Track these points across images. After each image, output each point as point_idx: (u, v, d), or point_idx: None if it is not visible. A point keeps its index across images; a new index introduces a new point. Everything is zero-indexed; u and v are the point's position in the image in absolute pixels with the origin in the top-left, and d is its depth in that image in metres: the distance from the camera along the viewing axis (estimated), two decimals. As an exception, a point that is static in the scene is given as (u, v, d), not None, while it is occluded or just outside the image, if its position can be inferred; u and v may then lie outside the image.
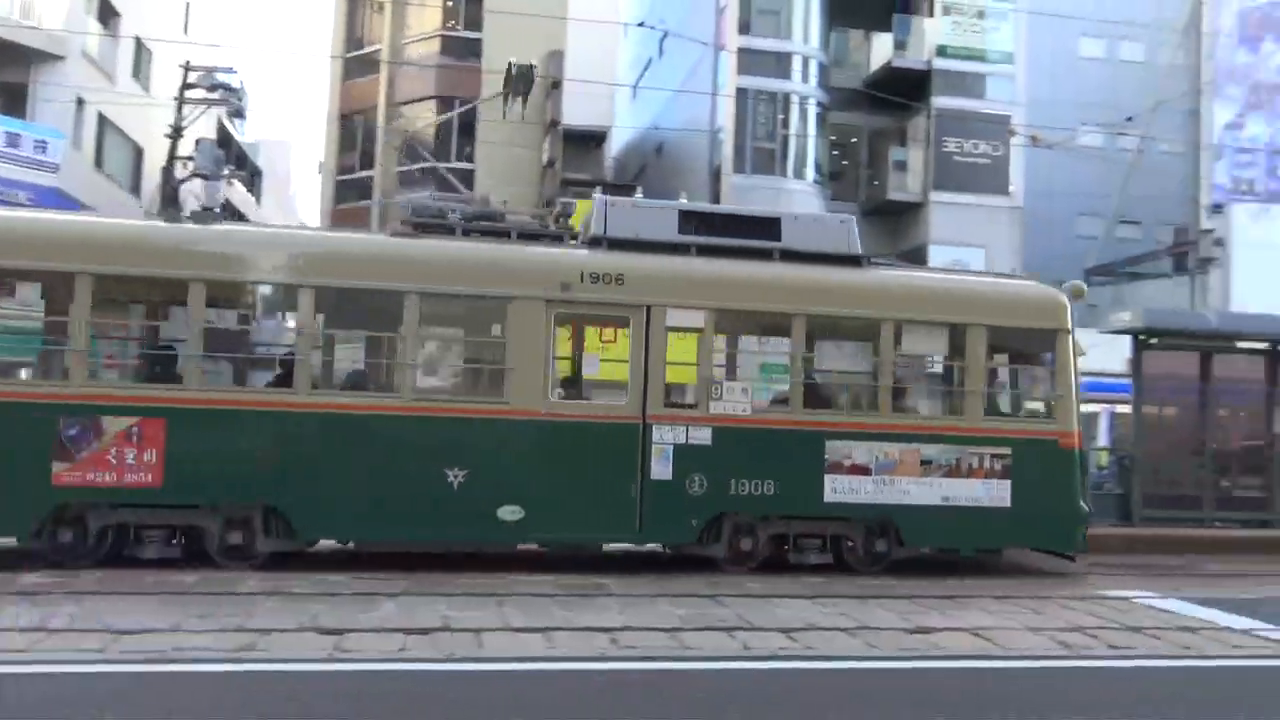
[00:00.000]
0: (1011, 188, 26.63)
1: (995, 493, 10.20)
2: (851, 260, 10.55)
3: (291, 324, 9.82)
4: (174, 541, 8.90)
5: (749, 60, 25.25)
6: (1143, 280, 30.79)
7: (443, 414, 9.42)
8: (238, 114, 27.78)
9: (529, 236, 10.11)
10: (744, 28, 25.44)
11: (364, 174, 28.08)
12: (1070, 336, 10.67)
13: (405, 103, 27.60)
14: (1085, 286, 11.36)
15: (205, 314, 9.03)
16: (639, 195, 28.05)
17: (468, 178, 26.50)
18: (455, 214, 10.20)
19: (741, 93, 25.17)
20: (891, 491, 9.99)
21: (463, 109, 24.82)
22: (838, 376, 10.62)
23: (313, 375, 9.30)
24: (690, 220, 10.34)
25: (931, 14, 26.64)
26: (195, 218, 9.73)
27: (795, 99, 25.65)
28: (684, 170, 28.34)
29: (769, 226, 10.55)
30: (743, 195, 24.61)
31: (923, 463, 10.08)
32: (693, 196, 26.35)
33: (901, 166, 26.84)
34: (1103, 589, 9.47)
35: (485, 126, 26.12)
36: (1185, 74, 31.88)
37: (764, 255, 10.22)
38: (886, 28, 27.02)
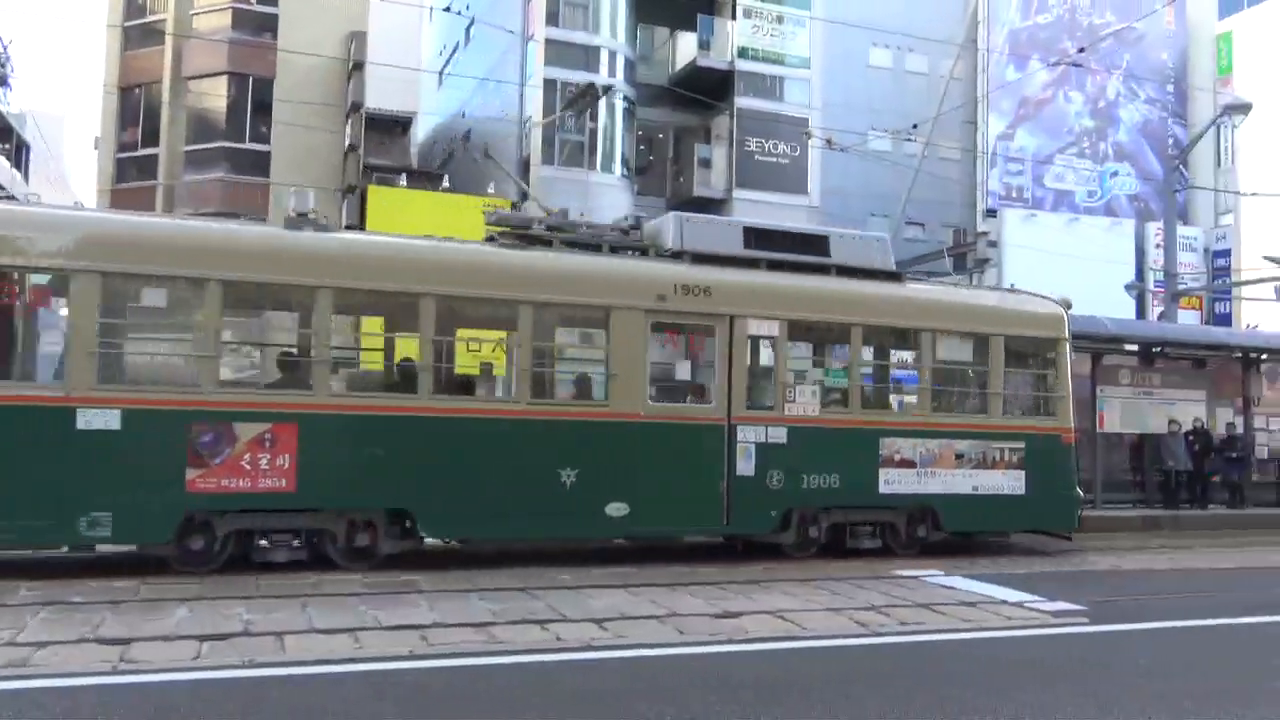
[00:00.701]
0: (809, 187, 27.79)
1: (1013, 482, 11.76)
2: (893, 276, 11.83)
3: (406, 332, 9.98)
4: (297, 545, 9.00)
5: (557, 52, 25.24)
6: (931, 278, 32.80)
7: (554, 417, 10.01)
8: (1, 82, 25.41)
9: (618, 249, 10.82)
10: (552, 19, 25.40)
11: (147, 151, 26.28)
12: (1069, 344, 12.44)
13: (194, 77, 26.00)
14: (1070, 300, 12.74)
15: (331, 321, 9.25)
16: (445, 184, 27.60)
17: (262, 159, 25.27)
18: (541, 225, 10.73)
19: (550, 84, 25.13)
20: (932, 482, 11.36)
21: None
22: (888, 380, 12.05)
23: (433, 380, 9.54)
24: (753, 236, 11.27)
25: (734, 16, 27.42)
26: (304, 224, 9.53)
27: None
28: (492, 159, 28.05)
29: (820, 243, 11.63)
30: (551, 187, 24.59)
31: (957, 456, 11.49)
32: (501, 187, 26.13)
33: (706, 164, 27.53)
34: (895, 569, 10.02)
35: (282, 107, 24.98)
36: (963, 86, 34.20)
37: (822, 270, 11.33)
38: (691, 27, 27.62)
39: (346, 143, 24.95)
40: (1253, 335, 19.46)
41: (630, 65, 26.78)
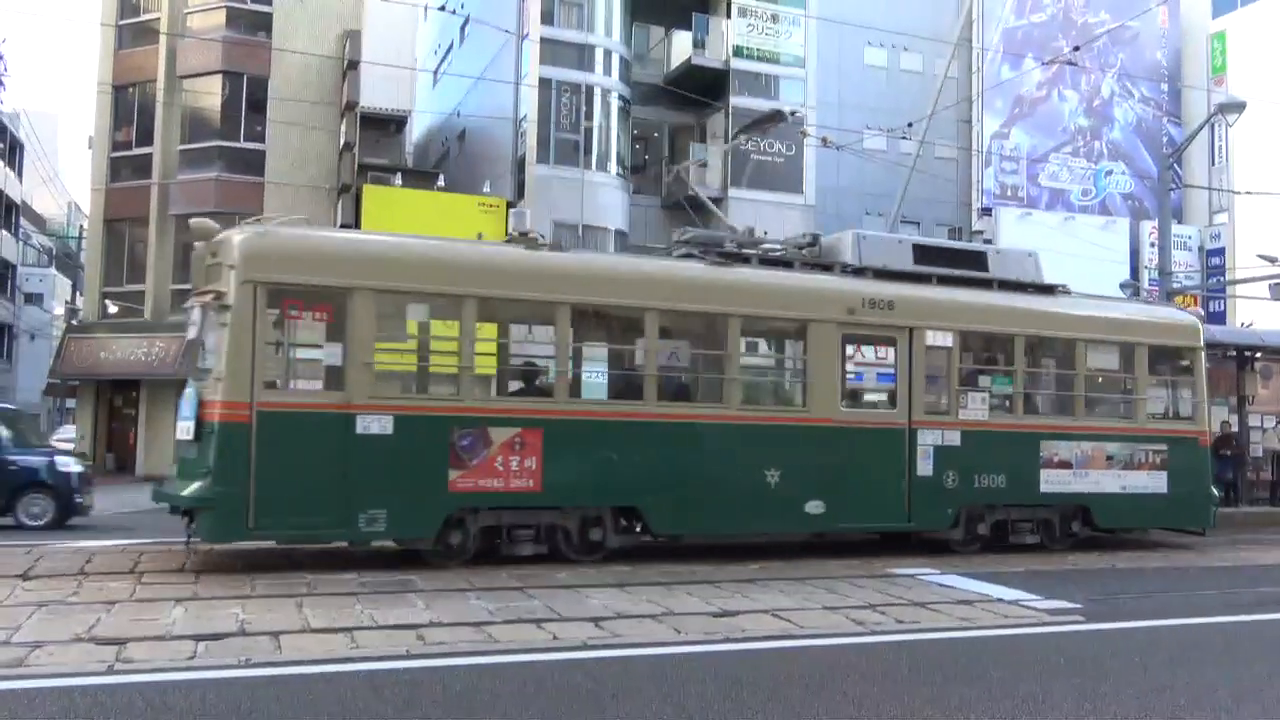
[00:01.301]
0: (804, 186, 27.80)
1: (1156, 481, 12.62)
2: (1047, 289, 12.77)
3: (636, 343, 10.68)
4: (538, 540, 9.72)
5: (552, 51, 25.22)
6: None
7: (761, 421, 10.80)
8: (-7, 81, 25.33)
9: (810, 266, 11.63)
10: (547, 18, 25.38)
11: (142, 150, 26.22)
12: (1203, 353, 13.43)
13: (189, 76, 25.94)
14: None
15: (572, 334, 9.94)
16: (440, 182, 27.59)
17: (257, 158, 25.23)
18: (732, 243, 11.59)
19: (545, 83, 25.10)
20: (1086, 482, 12.19)
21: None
22: (1046, 386, 12.82)
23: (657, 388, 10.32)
24: (920, 251, 12.19)
25: (729, 15, 27.42)
26: (527, 243, 10.36)
27: (598, 91, 25.82)
28: (487, 158, 28.04)
29: (978, 258, 12.62)
30: (546, 185, 24.61)
31: (1108, 458, 12.36)
32: (496, 185, 26.13)
33: (702, 163, 27.51)
34: (890, 568, 10.03)
35: (277, 105, 24.94)
36: (958, 85, 34.23)
37: (985, 285, 12.23)
38: (686, 26, 27.61)
39: (341, 141, 24.90)
40: (1246, 333, 19.48)
41: (625, 64, 26.77)
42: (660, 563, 9.93)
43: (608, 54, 26.15)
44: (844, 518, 10.88)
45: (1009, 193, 34.85)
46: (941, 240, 13.73)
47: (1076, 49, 25.91)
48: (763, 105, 27.49)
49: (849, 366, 11.48)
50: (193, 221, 9.87)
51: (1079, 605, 8.06)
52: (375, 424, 8.98)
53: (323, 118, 25.08)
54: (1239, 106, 21.24)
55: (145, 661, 5.45)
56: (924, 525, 11.38)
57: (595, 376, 10.65)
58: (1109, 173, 36.61)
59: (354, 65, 25.14)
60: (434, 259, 9.82)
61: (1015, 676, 5.86)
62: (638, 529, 10.27)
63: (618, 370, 10.61)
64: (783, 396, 11.63)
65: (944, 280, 11.91)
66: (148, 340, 24.27)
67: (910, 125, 25.35)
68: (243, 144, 25.34)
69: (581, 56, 25.67)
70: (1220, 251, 35.40)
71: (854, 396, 11.57)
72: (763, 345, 12.20)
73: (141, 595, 7.42)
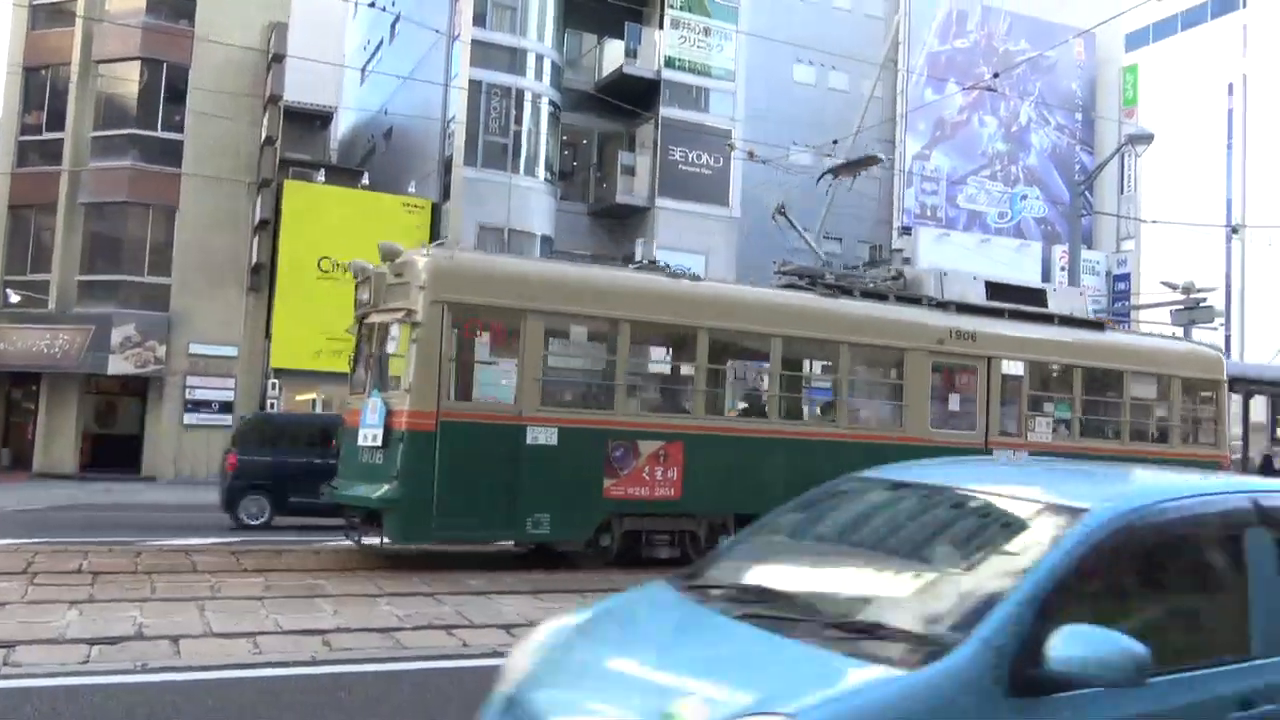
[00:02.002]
0: (730, 199, 28.04)
1: None
2: (1097, 325, 14.33)
3: (762, 365, 11.81)
4: (673, 544, 10.51)
5: (483, 53, 25.05)
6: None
7: (866, 440, 11.68)
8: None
9: (902, 299, 12.68)
10: (479, 20, 25.20)
11: (52, 135, 25.31)
12: (1226, 385, 14.88)
13: (105, 61, 25.15)
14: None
15: (707, 356, 10.87)
16: (365, 180, 27.21)
17: (174, 148, 24.58)
18: (831, 275, 12.80)
19: (475, 85, 24.91)
20: None
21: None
22: (1097, 412, 13.82)
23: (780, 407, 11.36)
24: (990, 288, 13.51)
25: (661, 26, 27.55)
26: (658, 270, 11.40)
27: (529, 96, 25.71)
28: (414, 158, 27.73)
29: (1040, 296, 13.99)
30: (473, 188, 24.43)
31: None
32: (422, 185, 25.86)
33: (629, 171, 27.56)
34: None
35: (197, 95, 24.32)
36: (883, 106, 34.94)
37: (1047, 320, 13.49)
38: (619, 34, 27.66)
39: (263, 135, 24.39)
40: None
41: (557, 70, 26.72)
42: (577, 571, 9.90)
43: (539, 59, 26.07)
44: None
45: (929, 213, 35.65)
46: (1007, 278, 15.62)
47: (996, 75, 26.64)
48: (692, 117, 27.69)
49: (937, 391, 12.68)
50: (380, 244, 10.31)
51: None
52: (543, 435, 9.79)
53: (245, 110, 24.54)
54: (1147, 138, 22.05)
55: (35, 666, 5.27)
56: None
57: (727, 395, 11.76)
58: (1024, 197, 37.70)
59: (279, 58, 24.64)
60: (594, 285, 10.76)
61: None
62: None
63: (745, 389, 11.82)
64: (883, 418, 12.45)
65: (1013, 315, 13.22)
66: (51, 332, 23.43)
67: (835, 143, 25.77)
68: (160, 133, 24.63)
69: (513, 60, 25.54)
70: (1126, 277, 36.70)
71: (940, 418, 12.58)
72: (865, 370, 13.02)
73: (34, 597, 7.17)
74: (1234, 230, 38.96)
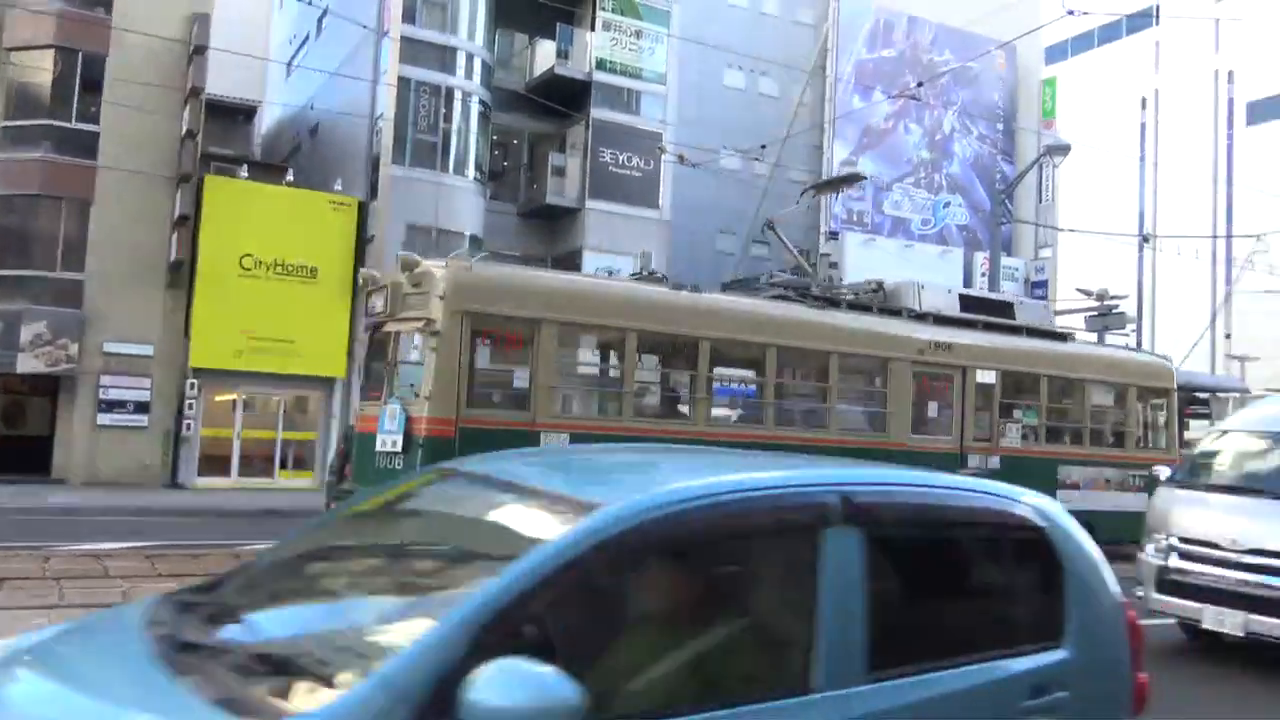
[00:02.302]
0: (661, 201, 28.15)
1: (1140, 502, 14.08)
2: (1061, 336, 15.22)
3: (747, 374, 12.52)
4: None
5: (413, 50, 24.77)
6: (751, 293, 33.70)
7: (854, 445, 12.26)
8: None
9: (886, 311, 13.39)
10: (408, 16, 24.91)
11: (-42, 125, 24.35)
12: (1176, 393, 15.85)
13: (16, 49, 24.29)
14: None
15: (710, 365, 11.38)
16: (290, 177, 26.73)
17: (90, 140, 23.83)
18: (817, 287, 13.65)
19: (404, 82, 24.62)
20: (1091, 501, 14.21)
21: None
22: (1061, 419, 14.65)
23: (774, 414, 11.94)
24: (963, 300, 14.35)
25: (593, 28, 27.55)
26: (677, 285, 12.02)
27: (459, 94, 25.50)
28: (340, 155, 27.30)
29: (1008, 308, 14.87)
30: (401, 186, 24.15)
31: (1105, 481, 14.54)
32: (348, 183, 25.48)
33: (560, 172, 27.50)
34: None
35: (115, 86, 23.63)
36: (811, 112, 35.41)
37: (1016, 331, 14.35)
38: (550, 35, 27.58)
39: (184, 129, 23.78)
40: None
41: (487, 68, 26.54)
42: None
43: (470, 57, 25.87)
44: None
45: (855, 218, 36.20)
46: (980, 291, 16.67)
47: (920, 85, 27.17)
48: (623, 119, 27.75)
49: (917, 399, 13.34)
50: (399, 255, 10.56)
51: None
52: (555, 441, 10.20)
53: (165, 102, 23.89)
54: (1064, 149, 22.70)
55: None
56: None
57: (725, 402, 12.37)
58: (947, 204, 38.52)
59: (201, 50, 24.05)
60: (605, 296, 11.31)
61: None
62: None
63: (741, 397, 12.38)
64: (867, 424, 13.06)
65: (986, 326, 14.03)
66: (-43, 328, 22.55)
67: (764, 148, 26.05)
68: (74, 124, 23.85)
69: (443, 58, 25.30)
70: (1044, 284, 37.67)
71: (920, 425, 13.20)
72: (852, 379, 13.54)
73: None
74: (1145, 239, 40.32)
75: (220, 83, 26.66)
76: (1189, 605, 7.76)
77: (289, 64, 32.93)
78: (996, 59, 38.61)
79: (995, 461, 13.33)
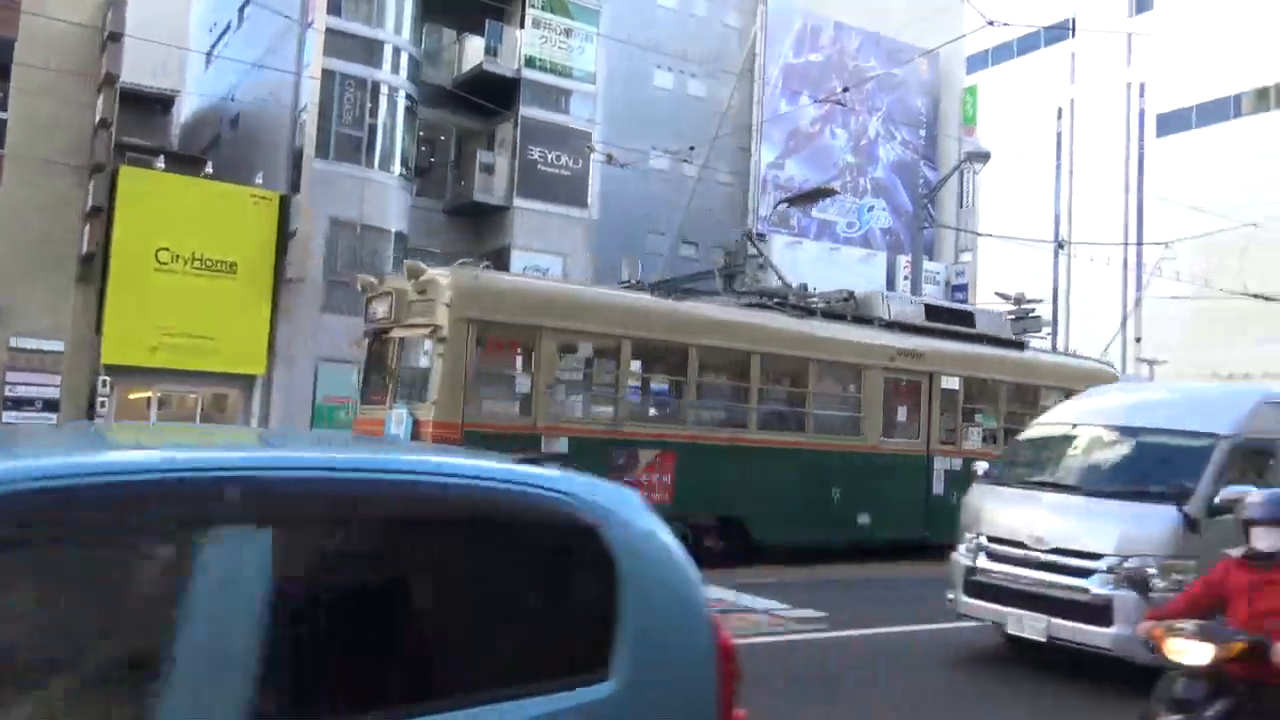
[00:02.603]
0: (589, 201, 28.11)
1: None
2: (1018, 344, 16.11)
3: (738, 381, 12.89)
4: None
5: (337, 43, 24.35)
6: (699, 296, 33.89)
7: (831, 449, 13.03)
8: None
9: (858, 320, 14.03)
10: (333, 8, 24.48)
11: None
12: None
13: (-83, 31, 23.27)
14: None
15: (699, 371, 11.94)
16: (209, 169, 26.09)
17: (-2, 128, 22.95)
18: (794, 296, 14.31)
19: (328, 75, 24.18)
20: None
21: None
22: (1017, 421, 15.04)
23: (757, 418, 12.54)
24: (928, 310, 15.14)
25: (522, 25, 27.40)
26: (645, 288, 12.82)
27: (385, 89, 25.14)
28: (262, 148, 26.73)
29: (968, 317, 15.80)
30: (324, 181, 23.73)
31: None
32: (270, 176, 24.97)
33: (488, 169, 27.29)
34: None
35: (23, 72, 22.79)
36: (740, 114, 35.69)
37: (976, 339, 15.19)
38: (479, 31, 27.36)
39: (97, 117, 23.04)
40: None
41: (415, 63, 26.22)
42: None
43: (397, 51, 25.52)
44: (882, 529, 13.30)
45: (781, 220, 36.59)
46: (942, 301, 17.41)
47: (846, 90, 27.59)
48: (552, 117, 27.65)
49: (888, 403, 14.02)
50: (406, 263, 10.88)
51: (824, 613, 8.46)
52: (555, 444, 10.59)
53: (77, 90, 23.11)
54: (984, 156, 23.23)
55: None
56: (936, 537, 13.26)
57: (712, 407, 12.83)
58: (871, 208, 39.16)
59: (115, 37, 23.31)
60: (602, 305, 11.73)
61: (763, 682, 6.11)
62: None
63: (727, 402, 12.84)
64: (842, 428, 13.64)
65: (950, 335, 14.77)
66: None
67: (692, 149, 26.18)
68: (-19, 111, 22.97)
69: (369, 51, 24.91)
70: (964, 287, 38.54)
71: (890, 428, 13.92)
72: (829, 384, 14.14)
73: None
74: (1060, 245, 41.47)
75: (136, 71, 25.89)
76: (994, 609, 7.19)
77: (209, 53, 32.14)
78: (920, 66, 39.38)
79: (958, 463, 13.93)
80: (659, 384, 12.98)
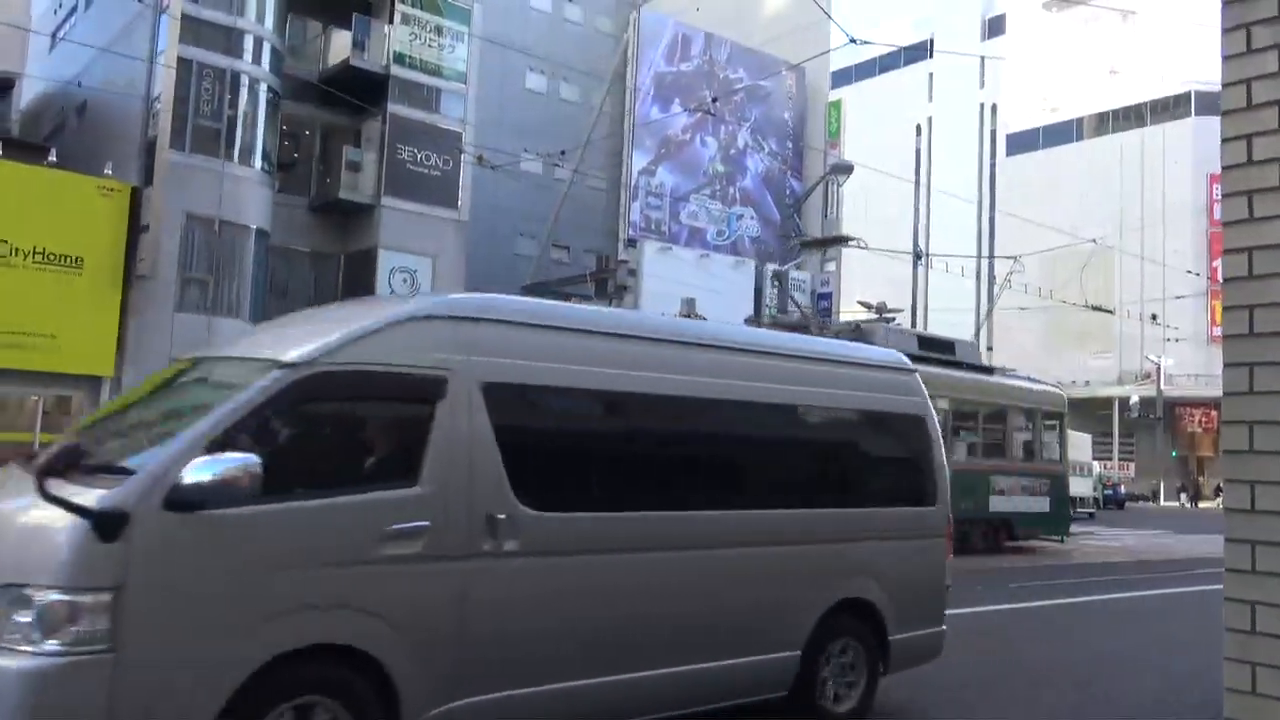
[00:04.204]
0: (459, 202, 27.73)
1: (1043, 504, 18.80)
2: (989, 370, 19.42)
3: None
4: None
5: (194, 30, 23.32)
6: (571, 301, 33.87)
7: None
8: None
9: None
10: (191, -6, 23.44)
11: None
12: (1065, 416, 20.06)
13: None
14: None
15: None
16: (53, 157, 24.65)
17: None
18: (814, 327, 16.72)
19: (184, 63, 23.13)
20: (1010, 503, 18.15)
21: None
22: (991, 438, 18.50)
23: None
24: (920, 341, 17.81)
25: (392, 21, 26.84)
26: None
27: (245, 80, 24.22)
28: (112, 137, 25.37)
29: (949, 346, 18.68)
30: (180, 173, 22.71)
31: (1022, 488, 18.33)
32: (120, 167, 23.73)
33: (355, 167, 26.59)
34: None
35: None
36: (611, 121, 35.86)
37: (958, 365, 17.93)
38: (346, 25, 26.67)
39: (-74, 99, 21.50)
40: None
41: (277, 55, 25.35)
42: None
43: (258, 41, 24.62)
44: None
45: (653, 226, 36.91)
46: (931, 332, 20.68)
47: (715, 100, 28.04)
48: (422, 116, 27.16)
49: None
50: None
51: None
52: None
53: (-97, 68, 21.55)
54: (847, 169, 23.96)
55: None
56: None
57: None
58: (740, 216, 39.88)
59: (-52, 13, 21.83)
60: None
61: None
62: None
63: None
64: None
65: (938, 362, 16.89)
66: None
67: (564, 153, 26.16)
68: None
69: (229, 40, 23.95)
70: (828, 295, 39.62)
71: None
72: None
73: None
74: (918, 257, 43.14)
75: (-29, 51, 24.28)
76: None
77: (53, 35, 30.38)
78: (787, 80, 40.35)
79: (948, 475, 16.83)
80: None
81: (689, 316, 19.78)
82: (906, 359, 7.03)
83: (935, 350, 17.54)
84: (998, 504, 17.74)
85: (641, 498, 5.15)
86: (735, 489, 5.73)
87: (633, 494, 5.15)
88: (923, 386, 6.88)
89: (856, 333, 16.93)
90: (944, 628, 6.51)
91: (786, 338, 7.21)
